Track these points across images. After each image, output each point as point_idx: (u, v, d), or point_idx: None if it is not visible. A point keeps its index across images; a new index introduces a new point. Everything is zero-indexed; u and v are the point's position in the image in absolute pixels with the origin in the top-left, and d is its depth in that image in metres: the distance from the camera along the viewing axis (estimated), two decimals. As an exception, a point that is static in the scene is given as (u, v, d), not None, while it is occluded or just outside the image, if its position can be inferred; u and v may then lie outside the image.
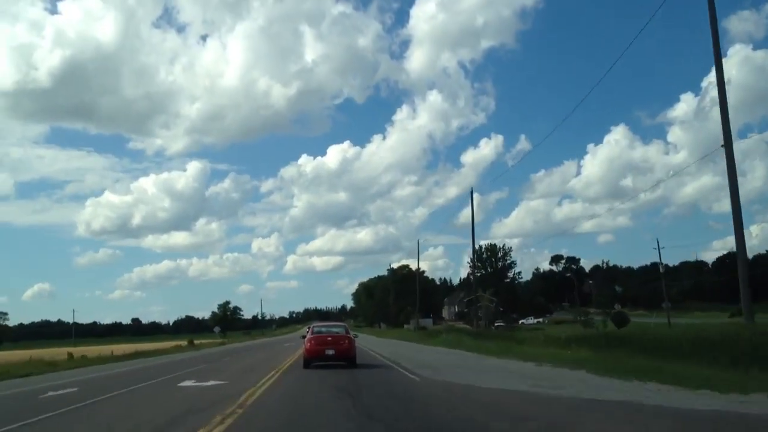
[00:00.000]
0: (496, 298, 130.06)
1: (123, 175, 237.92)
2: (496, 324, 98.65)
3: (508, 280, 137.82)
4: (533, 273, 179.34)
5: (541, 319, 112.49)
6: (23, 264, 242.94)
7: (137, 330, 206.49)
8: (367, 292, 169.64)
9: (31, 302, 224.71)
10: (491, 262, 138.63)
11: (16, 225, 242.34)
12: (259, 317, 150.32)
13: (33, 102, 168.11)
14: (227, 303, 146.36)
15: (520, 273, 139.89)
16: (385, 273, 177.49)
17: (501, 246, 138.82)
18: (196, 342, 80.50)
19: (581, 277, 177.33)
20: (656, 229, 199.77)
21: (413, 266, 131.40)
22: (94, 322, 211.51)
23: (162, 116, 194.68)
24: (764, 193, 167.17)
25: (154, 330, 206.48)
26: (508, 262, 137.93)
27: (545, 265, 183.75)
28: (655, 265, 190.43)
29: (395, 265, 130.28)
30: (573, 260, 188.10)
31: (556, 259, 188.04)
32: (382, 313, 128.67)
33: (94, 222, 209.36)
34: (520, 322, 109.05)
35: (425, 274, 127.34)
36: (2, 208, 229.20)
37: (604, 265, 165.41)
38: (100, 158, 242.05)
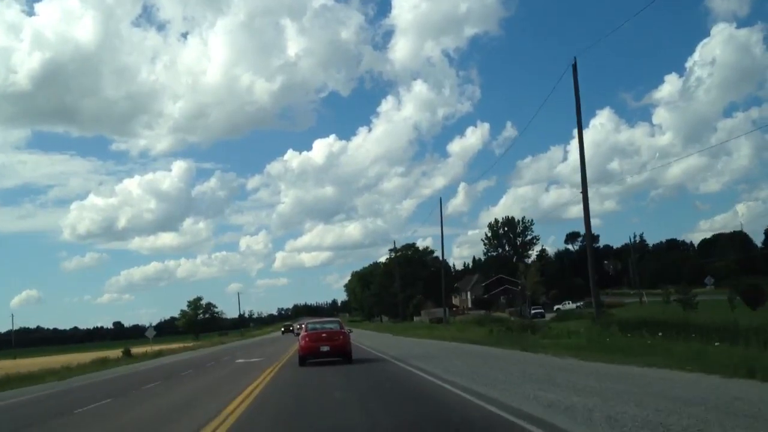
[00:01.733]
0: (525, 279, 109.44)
1: (107, 178, 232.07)
2: (533, 310, 78.42)
3: (529, 258, 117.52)
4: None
5: (581, 303, 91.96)
6: (10, 271, 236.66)
7: (117, 334, 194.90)
8: (362, 281, 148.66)
9: (19, 309, 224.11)
10: (509, 239, 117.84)
11: (1, 232, 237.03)
12: (241, 315, 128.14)
13: (13, 106, 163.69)
14: (198, 299, 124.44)
15: (545, 250, 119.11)
16: (383, 260, 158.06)
17: (520, 219, 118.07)
18: (144, 349, 59.48)
19: (600, 256, 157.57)
20: (643, 212, 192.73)
21: (420, 245, 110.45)
22: (75, 327, 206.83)
23: (144, 116, 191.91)
24: (750, 172, 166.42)
25: (136, 333, 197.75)
26: (529, 237, 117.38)
27: (550, 247, 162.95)
28: (672, 242, 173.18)
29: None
30: (592, 238, 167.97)
31: (571, 237, 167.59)
32: (382, 304, 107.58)
33: (80, 226, 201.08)
34: (555, 308, 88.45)
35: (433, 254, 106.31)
36: None
37: (636, 240, 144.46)
38: (83, 161, 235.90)
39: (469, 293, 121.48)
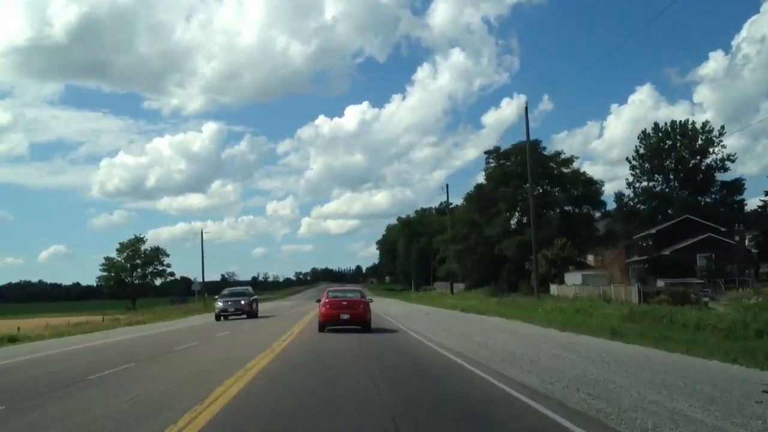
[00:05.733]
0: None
1: (138, 137, 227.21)
2: None
3: (715, 188, 67.50)
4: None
5: None
6: (39, 226, 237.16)
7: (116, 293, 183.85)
8: (407, 232, 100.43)
9: (47, 263, 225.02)
10: (677, 152, 67.57)
11: (31, 187, 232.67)
12: (202, 278, 74.28)
13: (47, 59, 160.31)
14: (137, 240, 76.30)
15: (742, 182, 69.18)
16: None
17: (702, 126, 67.60)
18: None
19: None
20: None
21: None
22: (77, 283, 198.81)
23: (177, 74, 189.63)
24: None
25: (138, 293, 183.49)
26: (718, 156, 66.96)
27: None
28: None
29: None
30: (732, 186, 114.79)
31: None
32: (468, 259, 56.85)
33: (109, 183, 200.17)
34: None
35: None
36: (18, 170, 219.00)
37: None
38: (116, 119, 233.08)
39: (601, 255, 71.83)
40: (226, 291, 35.29)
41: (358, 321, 20.77)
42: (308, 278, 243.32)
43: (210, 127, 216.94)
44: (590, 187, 51.14)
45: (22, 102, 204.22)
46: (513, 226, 49.73)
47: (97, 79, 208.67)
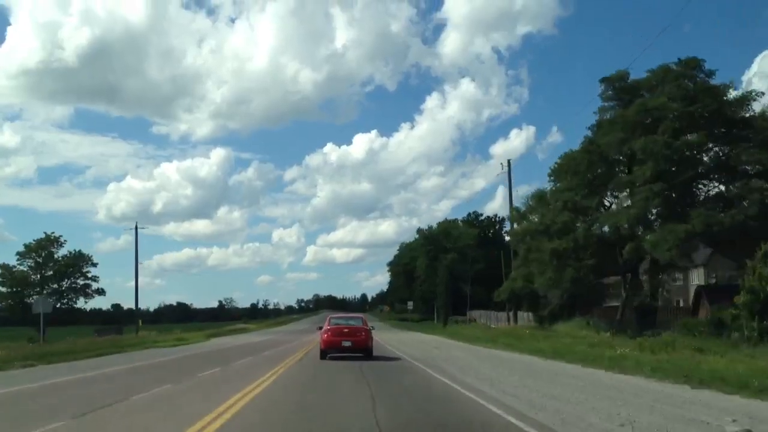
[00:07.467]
0: None
1: (146, 162, 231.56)
2: None
3: None
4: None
5: None
6: None
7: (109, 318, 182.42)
8: (430, 245, 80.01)
9: None
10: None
11: (37, 210, 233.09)
12: (135, 299, 49.62)
13: (57, 82, 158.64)
14: (52, 240, 54.98)
15: None
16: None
17: None
18: None
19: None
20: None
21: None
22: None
23: (186, 99, 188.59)
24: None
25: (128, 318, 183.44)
26: None
27: None
28: None
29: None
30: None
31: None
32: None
33: (115, 207, 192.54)
34: None
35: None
36: (25, 193, 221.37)
37: None
38: (124, 144, 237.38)
39: (703, 270, 51.20)
40: None
41: (360, 348, 20.74)
42: (311, 306, 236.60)
43: (218, 153, 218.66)
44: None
45: (32, 125, 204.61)
46: (657, 210, 28.06)
47: (106, 103, 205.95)
